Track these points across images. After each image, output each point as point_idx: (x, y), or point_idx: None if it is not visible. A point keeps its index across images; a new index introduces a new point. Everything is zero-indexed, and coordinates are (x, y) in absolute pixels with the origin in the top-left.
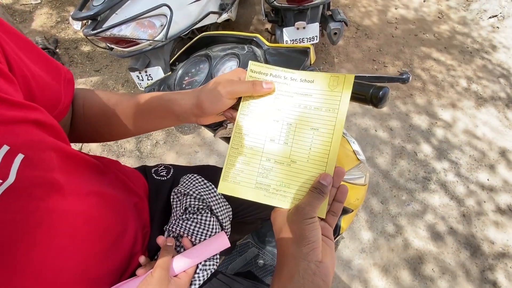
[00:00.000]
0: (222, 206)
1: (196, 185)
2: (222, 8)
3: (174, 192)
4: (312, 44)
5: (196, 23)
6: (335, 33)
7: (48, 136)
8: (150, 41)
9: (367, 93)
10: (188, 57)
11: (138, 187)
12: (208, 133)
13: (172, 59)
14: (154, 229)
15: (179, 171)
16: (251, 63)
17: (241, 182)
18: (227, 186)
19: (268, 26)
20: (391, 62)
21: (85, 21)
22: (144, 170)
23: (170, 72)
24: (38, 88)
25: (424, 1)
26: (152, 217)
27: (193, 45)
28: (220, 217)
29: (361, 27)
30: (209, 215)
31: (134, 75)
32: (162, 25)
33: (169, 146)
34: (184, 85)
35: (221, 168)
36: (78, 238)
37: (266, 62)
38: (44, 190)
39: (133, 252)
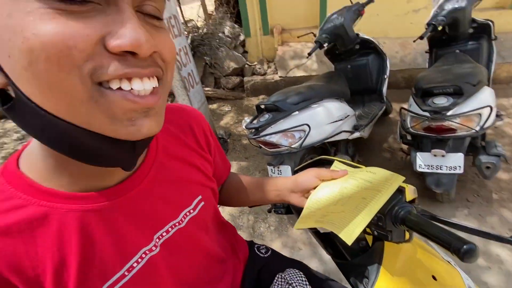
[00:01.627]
0: None
1: (299, 281)
2: (355, 128)
3: (280, 275)
4: (456, 174)
5: (328, 138)
6: (488, 167)
7: (214, 199)
8: (288, 148)
9: (450, 243)
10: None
11: (241, 253)
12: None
13: (297, 167)
14: None
15: (275, 256)
16: (335, 162)
17: (308, 221)
18: (300, 225)
19: (404, 146)
20: None
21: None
22: (251, 244)
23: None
24: (216, 169)
25: None
26: (243, 280)
27: (312, 163)
28: None
29: None
30: None
31: (269, 168)
32: (300, 137)
33: (278, 234)
34: None
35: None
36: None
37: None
38: (198, 228)
39: None
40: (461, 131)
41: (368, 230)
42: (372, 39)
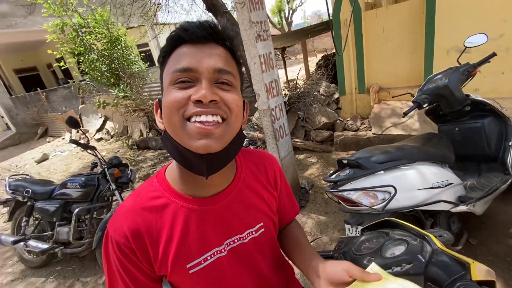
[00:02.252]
0: None
1: None
2: (461, 200)
3: None
4: None
5: (419, 206)
6: None
7: (274, 229)
8: (369, 208)
9: None
10: (376, 229)
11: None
12: None
13: (365, 226)
14: None
15: None
16: (373, 264)
17: None
18: None
19: None
20: None
21: (330, 182)
22: None
23: (359, 234)
24: (281, 207)
25: None
26: None
27: (382, 222)
28: None
29: None
30: None
31: (347, 227)
32: (383, 199)
33: None
34: (362, 248)
35: None
36: None
37: (429, 261)
38: (256, 250)
39: None
40: None
41: None
42: (488, 101)
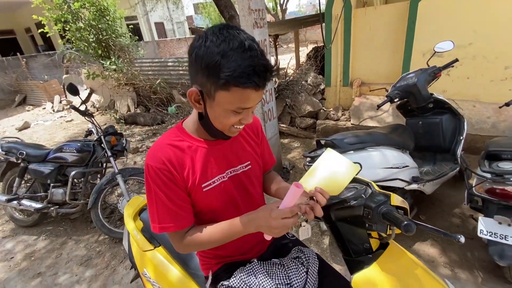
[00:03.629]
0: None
1: (313, 258)
2: (414, 180)
3: (298, 247)
4: None
5: (380, 181)
6: None
7: (259, 169)
8: None
9: (398, 222)
10: None
11: None
12: None
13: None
14: None
15: (298, 242)
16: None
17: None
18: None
19: (477, 215)
20: None
21: (309, 158)
22: None
23: None
24: (263, 157)
25: None
26: (269, 245)
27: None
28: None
29: None
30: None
31: None
32: None
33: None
34: None
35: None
36: None
37: (367, 197)
38: (248, 182)
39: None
40: None
41: (373, 234)
42: (447, 100)
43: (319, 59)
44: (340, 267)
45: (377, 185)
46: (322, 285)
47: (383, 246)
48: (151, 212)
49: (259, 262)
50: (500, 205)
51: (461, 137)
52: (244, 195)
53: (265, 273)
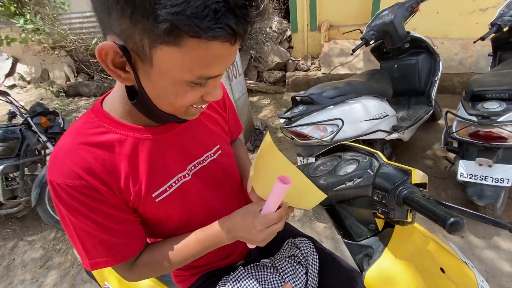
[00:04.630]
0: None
1: (308, 248)
2: (394, 129)
3: (290, 240)
4: (504, 187)
5: (362, 135)
6: None
7: (230, 149)
8: (319, 140)
9: (438, 217)
10: (330, 154)
11: None
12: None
13: (319, 153)
14: None
15: (289, 226)
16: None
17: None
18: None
19: (450, 155)
20: None
21: (285, 118)
22: None
23: (314, 161)
24: (229, 126)
25: None
26: None
27: (335, 147)
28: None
29: None
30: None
31: (299, 158)
32: (332, 131)
33: (301, 224)
34: (317, 171)
35: None
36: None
37: (376, 173)
38: (219, 171)
39: None
40: (511, 140)
41: (379, 214)
42: (425, 38)
43: (282, 1)
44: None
45: (360, 140)
46: (327, 283)
47: (389, 224)
48: (74, 244)
49: (245, 268)
50: (482, 147)
51: (436, 78)
52: (217, 190)
53: (255, 281)
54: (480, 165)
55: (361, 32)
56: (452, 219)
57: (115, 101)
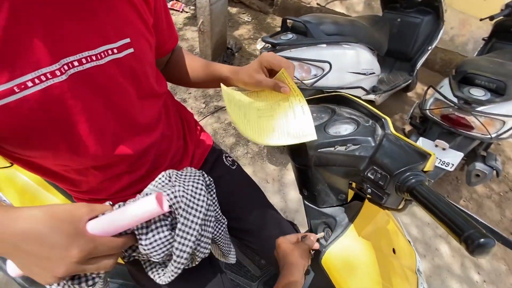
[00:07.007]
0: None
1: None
2: (373, 90)
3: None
4: (445, 170)
5: (342, 88)
6: (477, 175)
7: (150, 54)
8: (298, 82)
9: (463, 230)
10: (318, 103)
11: (191, 140)
12: (288, 175)
13: (306, 99)
14: None
15: (240, 172)
16: (282, 71)
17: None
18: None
19: (408, 127)
20: None
21: (267, 44)
22: (220, 150)
23: None
24: (159, 32)
25: None
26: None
27: (328, 97)
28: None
29: None
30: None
31: None
32: (315, 75)
33: (252, 162)
34: None
35: None
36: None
37: (380, 144)
38: (122, 76)
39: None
40: (477, 132)
41: (354, 185)
42: None
43: None
44: (274, 167)
45: (342, 92)
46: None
47: (358, 196)
48: None
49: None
50: (445, 130)
51: (430, 47)
52: (114, 108)
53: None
54: (436, 146)
55: None
56: (483, 240)
57: None
